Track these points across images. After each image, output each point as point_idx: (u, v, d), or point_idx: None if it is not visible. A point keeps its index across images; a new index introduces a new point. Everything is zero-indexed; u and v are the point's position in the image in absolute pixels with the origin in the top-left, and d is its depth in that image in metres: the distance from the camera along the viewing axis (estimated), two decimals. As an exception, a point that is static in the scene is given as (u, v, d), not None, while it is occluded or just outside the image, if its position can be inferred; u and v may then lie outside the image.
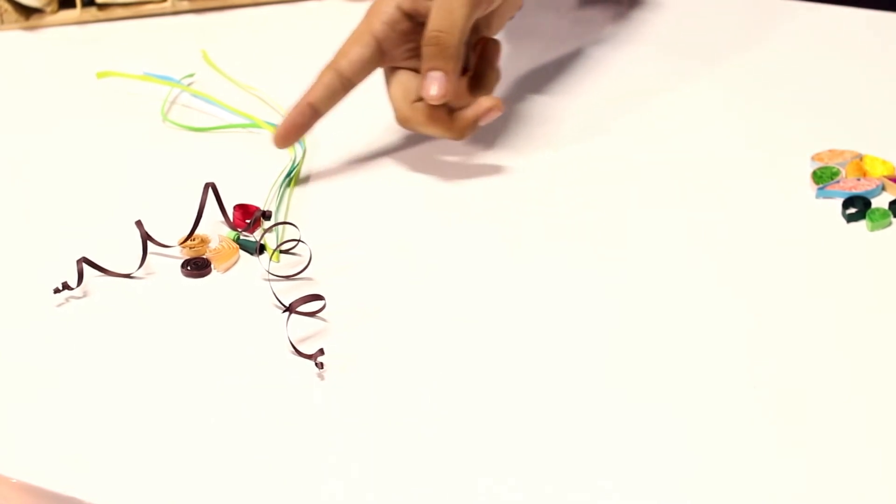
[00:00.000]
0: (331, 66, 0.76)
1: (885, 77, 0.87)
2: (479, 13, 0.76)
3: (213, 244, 0.71)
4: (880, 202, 0.73)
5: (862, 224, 0.72)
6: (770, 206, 0.74)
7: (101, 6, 0.95)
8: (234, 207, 0.72)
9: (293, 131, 0.76)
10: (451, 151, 0.79)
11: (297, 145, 0.79)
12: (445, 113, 0.75)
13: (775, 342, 0.64)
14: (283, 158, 0.78)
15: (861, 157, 0.77)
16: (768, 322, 0.65)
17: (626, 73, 0.88)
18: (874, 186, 0.74)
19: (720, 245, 0.71)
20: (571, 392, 0.61)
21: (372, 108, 0.76)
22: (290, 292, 0.66)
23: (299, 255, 0.70)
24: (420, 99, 0.75)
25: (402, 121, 0.77)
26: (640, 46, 0.91)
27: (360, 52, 0.76)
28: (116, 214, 0.73)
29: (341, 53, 0.76)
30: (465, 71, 0.77)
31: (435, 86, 0.74)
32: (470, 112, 0.76)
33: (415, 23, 0.76)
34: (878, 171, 0.76)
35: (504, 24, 0.80)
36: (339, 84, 0.76)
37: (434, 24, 0.74)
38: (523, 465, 0.57)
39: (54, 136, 0.82)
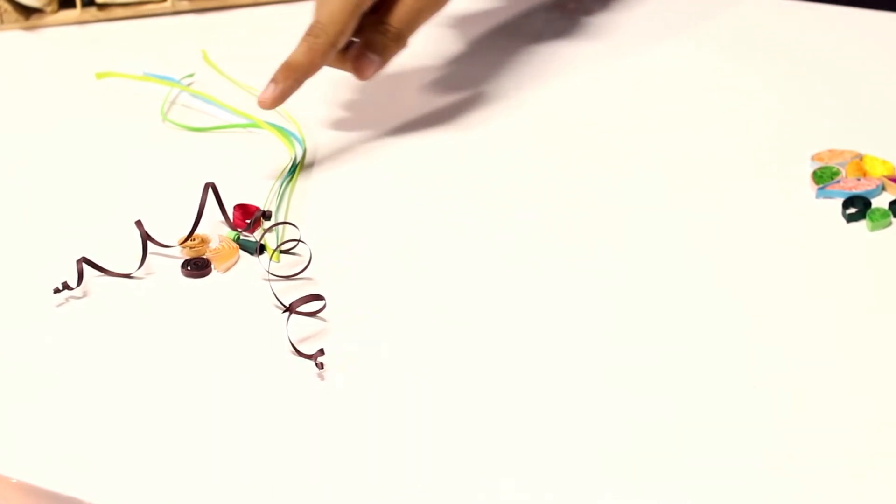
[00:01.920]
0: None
1: (885, 77, 0.87)
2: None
3: (213, 244, 0.71)
4: (880, 202, 0.73)
5: (862, 224, 0.72)
6: (770, 206, 0.74)
7: (101, 6, 0.95)
8: (234, 207, 0.72)
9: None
10: (451, 152, 0.79)
11: (296, 145, 0.79)
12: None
13: (775, 342, 0.64)
14: (284, 158, 0.78)
15: (861, 157, 0.77)
16: (768, 322, 0.65)
17: (623, 72, 0.88)
18: (874, 186, 0.74)
19: (719, 245, 0.71)
20: (570, 392, 0.61)
21: (372, 108, 0.76)
22: (290, 292, 0.66)
23: (299, 255, 0.70)
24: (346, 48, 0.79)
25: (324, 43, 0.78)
26: (638, 45, 0.91)
27: None
28: (116, 214, 0.73)
29: None
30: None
31: (371, 70, 0.78)
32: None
33: None
34: (878, 171, 0.76)
35: None
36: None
37: (401, 21, 0.78)
38: (523, 466, 0.57)
39: (54, 136, 0.82)
